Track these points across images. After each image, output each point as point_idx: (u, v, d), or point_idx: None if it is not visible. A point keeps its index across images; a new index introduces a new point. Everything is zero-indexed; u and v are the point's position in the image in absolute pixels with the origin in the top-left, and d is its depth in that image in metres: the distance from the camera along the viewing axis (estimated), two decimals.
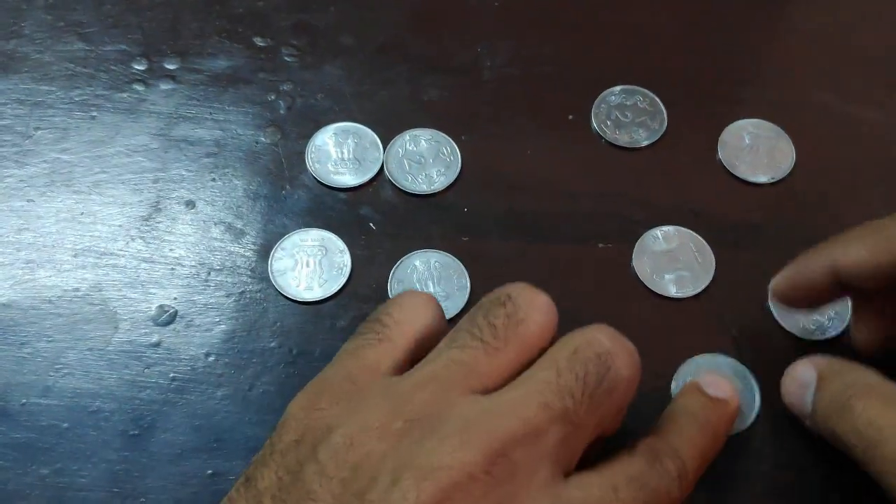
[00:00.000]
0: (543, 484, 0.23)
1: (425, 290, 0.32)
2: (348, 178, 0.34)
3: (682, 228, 0.33)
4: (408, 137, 0.35)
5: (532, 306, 0.26)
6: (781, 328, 0.32)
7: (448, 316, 0.31)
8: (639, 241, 0.33)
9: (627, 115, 0.36)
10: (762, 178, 0.34)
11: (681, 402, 0.28)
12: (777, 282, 0.30)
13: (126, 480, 0.28)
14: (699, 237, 0.33)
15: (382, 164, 0.34)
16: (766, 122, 0.36)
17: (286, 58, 0.37)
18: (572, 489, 0.24)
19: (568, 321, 0.31)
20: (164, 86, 0.36)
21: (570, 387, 0.24)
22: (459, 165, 0.34)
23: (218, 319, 0.31)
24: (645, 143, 0.35)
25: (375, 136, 0.35)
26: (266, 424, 0.30)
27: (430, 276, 0.32)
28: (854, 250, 0.27)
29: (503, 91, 0.37)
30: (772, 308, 0.32)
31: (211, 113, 0.36)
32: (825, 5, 0.40)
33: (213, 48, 0.38)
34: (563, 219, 0.34)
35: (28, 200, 0.34)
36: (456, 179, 0.34)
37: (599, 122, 0.36)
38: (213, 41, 0.38)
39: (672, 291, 0.32)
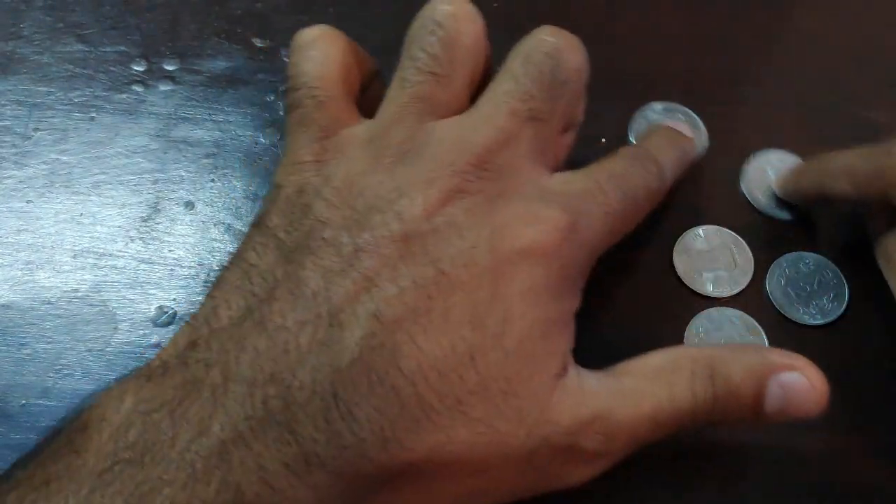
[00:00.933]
0: (528, 178, 0.26)
1: None
2: None
3: (724, 229, 0.34)
4: None
5: (459, 21, 0.28)
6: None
7: None
8: (679, 238, 0.33)
9: None
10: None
11: (653, 131, 0.33)
12: (777, 185, 0.34)
13: None
14: (740, 238, 0.33)
15: None
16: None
17: (285, 59, 0.37)
18: (556, 183, 0.27)
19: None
20: (164, 87, 0.36)
21: (529, 89, 0.26)
22: None
23: None
24: None
25: None
26: None
27: None
28: (840, 185, 0.31)
29: None
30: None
31: (210, 114, 0.36)
32: (826, 6, 0.40)
33: (212, 49, 0.37)
34: None
35: (27, 201, 0.34)
36: None
37: (637, 136, 0.35)
38: (213, 42, 0.38)
39: (709, 290, 0.32)
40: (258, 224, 0.26)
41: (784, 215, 0.34)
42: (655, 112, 0.36)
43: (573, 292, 0.26)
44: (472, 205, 0.24)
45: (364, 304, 0.23)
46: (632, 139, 0.35)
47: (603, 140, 0.36)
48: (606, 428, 0.24)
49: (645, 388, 0.25)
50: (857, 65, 0.38)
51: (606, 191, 0.27)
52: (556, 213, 0.25)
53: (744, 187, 0.34)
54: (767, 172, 0.35)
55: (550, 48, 0.27)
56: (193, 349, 0.23)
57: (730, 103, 0.37)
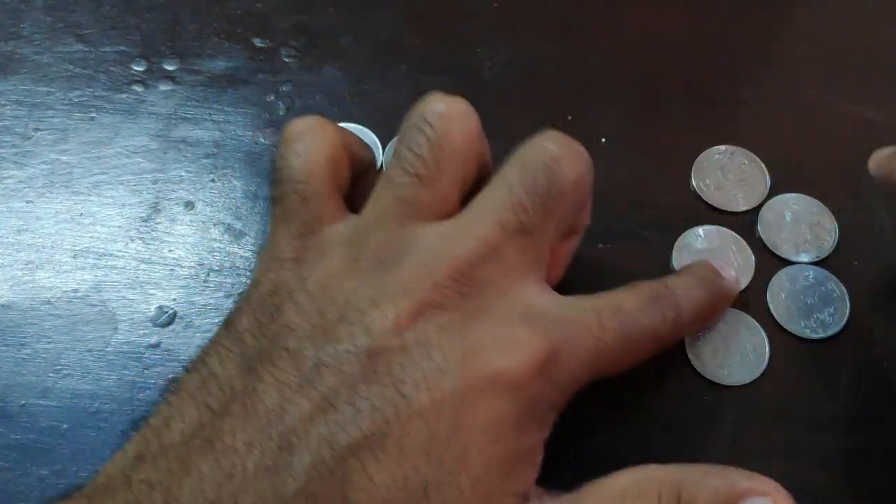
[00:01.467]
0: (515, 294, 0.24)
1: None
2: None
3: (724, 229, 0.33)
4: None
5: (450, 122, 0.26)
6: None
7: None
8: (679, 237, 0.33)
9: (729, 177, 0.35)
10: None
11: (689, 266, 0.30)
12: (874, 165, 0.30)
13: None
14: (740, 238, 0.33)
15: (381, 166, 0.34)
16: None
17: (285, 59, 0.37)
18: (548, 303, 0.25)
19: None
20: (164, 87, 0.36)
21: (521, 200, 0.25)
22: None
23: (217, 320, 0.31)
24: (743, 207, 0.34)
25: (375, 138, 0.35)
26: None
27: None
28: None
29: (503, 91, 0.37)
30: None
31: (210, 114, 0.36)
32: (825, 5, 0.40)
33: (212, 49, 0.37)
34: None
35: (27, 201, 0.34)
36: None
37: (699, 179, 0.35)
38: (212, 42, 0.38)
39: None
40: (228, 325, 0.25)
41: (805, 258, 0.33)
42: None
43: (542, 426, 0.24)
44: (446, 322, 0.23)
45: (317, 427, 0.21)
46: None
47: (603, 140, 0.36)
48: None
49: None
50: (857, 65, 0.38)
51: (606, 326, 0.25)
52: (536, 340, 0.23)
53: (761, 232, 0.33)
54: (785, 216, 0.34)
55: (549, 157, 0.25)
56: (139, 465, 0.22)
57: (730, 103, 0.37)
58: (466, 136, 0.26)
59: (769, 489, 0.24)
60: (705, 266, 0.30)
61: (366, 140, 0.34)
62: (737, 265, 0.33)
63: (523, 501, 0.23)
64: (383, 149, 0.35)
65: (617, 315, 0.25)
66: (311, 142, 0.27)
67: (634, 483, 0.24)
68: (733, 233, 0.33)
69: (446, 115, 0.26)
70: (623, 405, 0.30)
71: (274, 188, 0.27)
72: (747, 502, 0.23)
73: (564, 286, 0.32)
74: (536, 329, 0.23)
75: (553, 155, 0.26)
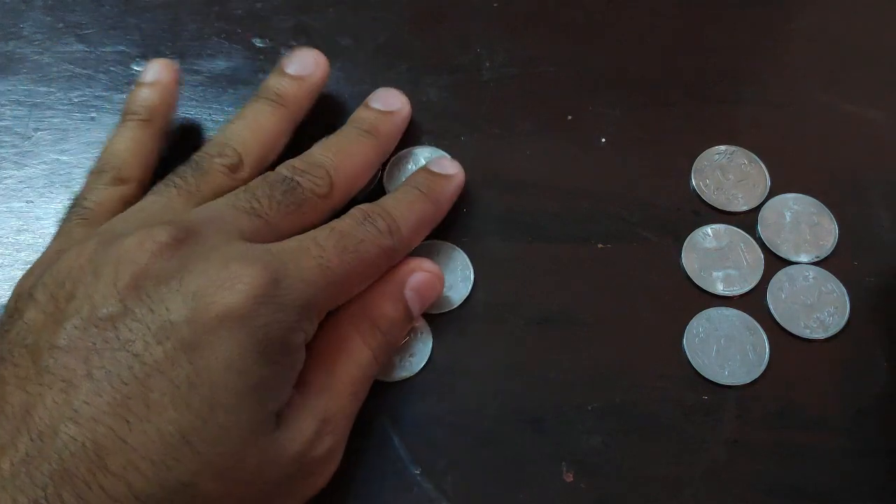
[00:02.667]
0: (234, 244, 0.26)
1: None
2: None
3: (732, 227, 0.33)
4: (408, 157, 0.35)
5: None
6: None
7: (453, 306, 0.32)
8: (688, 237, 0.33)
9: (729, 177, 0.35)
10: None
11: (407, 179, 0.32)
12: None
13: None
14: (748, 236, 0.33)
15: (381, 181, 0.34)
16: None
17: None
18: (262, 246, 0.26)
19: (568, 321, 0.32)
20: None
21: (256, 193, 0.28)
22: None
23: None
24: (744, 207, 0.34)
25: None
26: None
27: None
28: None
29: (503, 91, 0.37)
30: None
31: (210, 114, 0.36)
32: (825, 5, 0.40)
33: (212, 49, 0.37)
34: (563, 219, 0.34)
35: (27, 202, 0.34)
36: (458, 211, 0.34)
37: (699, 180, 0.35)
38: (212, 42, 0.38)
39: (720, 289, 0.32)
40: None
41: (805, 258, 0.33)
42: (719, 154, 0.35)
43: (288, 348, 0.25)
44: (166, 277, 0.24)
45: (62, 409, 0.22)
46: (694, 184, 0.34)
47: (603, 140, 0.36)
48: (331, 424, 0.26)
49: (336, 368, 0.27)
50: (857, 65, 0.38)
51: (323, 245, 0.27)
52: (253, 271, 0.24)
53: (761, 232, 0.33)
54: (785, 216, 0.34)
55: (289, 169, 0.30)
56: None
57: (730, 103, 0.37)
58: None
59: (415, 265, 0.30)
60: (419, 172, 0.32)
61: None
62: (745, 263, 0.33)
63: (281, 416, 0.25)
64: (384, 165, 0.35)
65: (332, 234, 0.27)
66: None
67: (341, 338, 0.28)
68: (741, 231, 0.33)
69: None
70: (622, 404, 0.30)
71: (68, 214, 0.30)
72: (409, 284, 0.29)
73: (566, 284, 0.32)
74: (253, 261, 0.25)
75: (294, 166, 0.29)
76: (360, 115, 0.33)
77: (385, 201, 0.30)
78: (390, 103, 0.33)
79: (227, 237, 0.26)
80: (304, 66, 0.33)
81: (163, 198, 0.28)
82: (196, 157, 0.30)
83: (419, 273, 0.30)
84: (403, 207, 0.30)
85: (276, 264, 0.25)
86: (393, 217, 0.29)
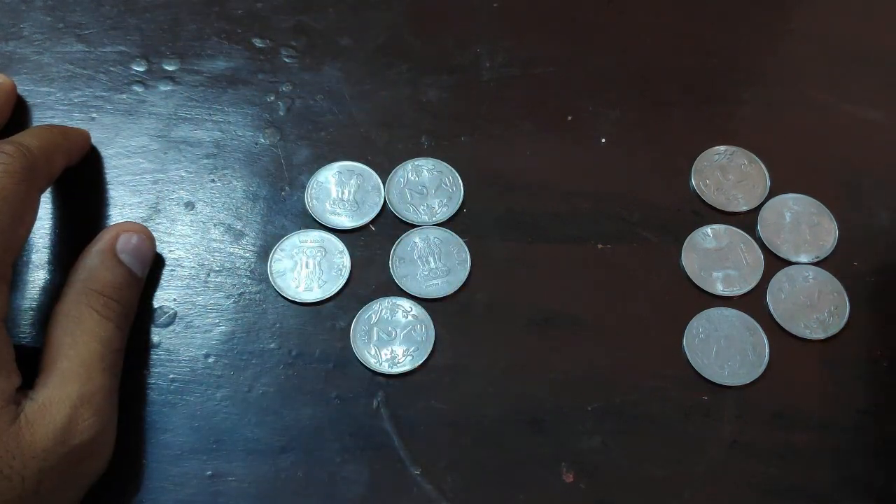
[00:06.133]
0: None
1: (426, 266, 0.32)
2: (345, 220, 0.33)
3: (732, 227, 0.33)
4: (410, 167, 0.34)
5: None
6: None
7: (450, 291, 0.32)
8: (688, 237, 0.33)
9: (729, 177, 0.35)
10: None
11: None
12: None
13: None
14: (748, 236, 0.33)
15: (381, 209, 0.34)
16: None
17: (285, 59, 0.37)
18: None
19: (568, 321, 0.32)
20: (164, 87, 0.36)
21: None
22: (462, 196, 0.34)
23: (217, 321, 0.31)
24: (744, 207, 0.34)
25: (379, 181, 0.34)
26: (266, 425, 0.30)
27: (430, 252, 0.33)
28: None
29: (503, 91, 0.37)
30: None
31: (210, 114, 0.36)
32: (825, 5, 0.40)
33: (212, 49, 0.37)
34: (563, 219, 0.34)
35: None
36: (458, 211, 0.34)
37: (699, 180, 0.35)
38: (213, 42, 0.38)
39: (720, 290, 0.32)
40: None
41: (805, 258, 0.33)
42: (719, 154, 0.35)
43: None
44: None
45: None
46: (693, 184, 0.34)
47: (603, 140, 0.36)
48: (89, 407, 0.26)
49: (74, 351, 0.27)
50: (857, 65, 0.38)
51: None
52: None
53: (761, 232, 0.34)
54: (785, 216, 0.34)
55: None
56: None
57: (730, 103, 0.37)
58: None
59: (127, 227, 0.31)
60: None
61: (368, 183, 0.34)
62: (745, 264, 0.33)
63: (9, 400, 0.25)
64: (384, 183, 0.35)
65: None
66: None
67: (68, 316, 0.28)
68: (741, 231, 0.33)
69: None
70: (622, 404, 0.30)
71: None
72: (120, 248, 0.30)
73: (566, 284, 0.32)
74: None
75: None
76: None
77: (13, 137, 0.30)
78: None
79: None
80: None
81: None
82: None
83: (124, 235, 0.30)
84: (30, 136, 0.30)
85: None
86: (19, 142, 0.29)
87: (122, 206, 0.34)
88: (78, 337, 0.27)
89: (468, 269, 0.32)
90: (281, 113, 0.36)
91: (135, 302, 0.30)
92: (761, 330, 0.31)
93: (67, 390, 0.26)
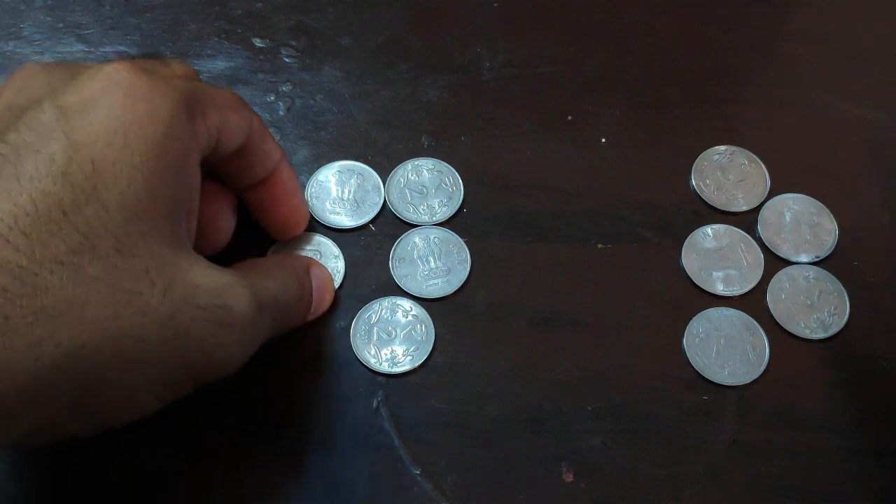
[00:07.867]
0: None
1: (426, 266, 0.32)
2: (344, 220, 0.33)
3: (732, 227, 0.33)
4: (410, 167, 0.34)
5: None
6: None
7: (450, 291, 0.32)
8: (688, 237, 0.33)
9: (729, 177, 0.35)
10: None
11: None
12: None
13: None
14: (749, 236, 0.33)
15: (381, 208, 0.34)
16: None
17: (285, 59, 0.37)
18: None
19: (568, 321, 0.32)
20: None
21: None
22: (462, 196, 0.34)
23: None
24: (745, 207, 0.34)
25: (379, 181, 0.34)
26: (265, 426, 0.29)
27: (430, 252, 0.33)
28: None
29: (503, 91, 0.37)
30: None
31: None
32: (825, 5, 0.40)
33: (212, 49, 0.37)
34: (563, 219, 0.34)
35: None
36: (458, 211, 0.34)
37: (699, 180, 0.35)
38: (212, 42, 0.38)
39: (720, 289, 0.32)
40: None
41: (805, 258, 0.33)
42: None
43: (189, 134, 0.25)
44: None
45: None
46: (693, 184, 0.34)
47: (603, 140, 0.36)
48: (251, 291, 0.25)
49: (269, 274, 0.28)
50: (857, 65, 0.38)
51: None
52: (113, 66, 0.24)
53: (761, 232, 0.34)
54: (785, 216, 0.34)
55: None
56: None
57: (730, 103, 0.37)
58: None
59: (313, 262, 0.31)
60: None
61: (368, 182, 0.34)
62: (745, 263, 0.33)
63: (183, 236, 0.24)
64: (384, 183, 0.35)
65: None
66: None
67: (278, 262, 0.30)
68: (741, 231, 0.33)
69: None
70: (622, 404, 0.30)
71: None
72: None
73: (568, 285, 0.32)
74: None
75: None
76: None
77: None
78: None
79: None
80: None
81: None
82: None
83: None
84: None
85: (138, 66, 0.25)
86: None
87: None
88: (287, 279, 0.28)
89: (468, 268, 0.32)
90: (281, 112, 0.36)
91: (299, 304, 0.30)
92: (761, 330, 0.31)
93: (242, 276, 0.26)
